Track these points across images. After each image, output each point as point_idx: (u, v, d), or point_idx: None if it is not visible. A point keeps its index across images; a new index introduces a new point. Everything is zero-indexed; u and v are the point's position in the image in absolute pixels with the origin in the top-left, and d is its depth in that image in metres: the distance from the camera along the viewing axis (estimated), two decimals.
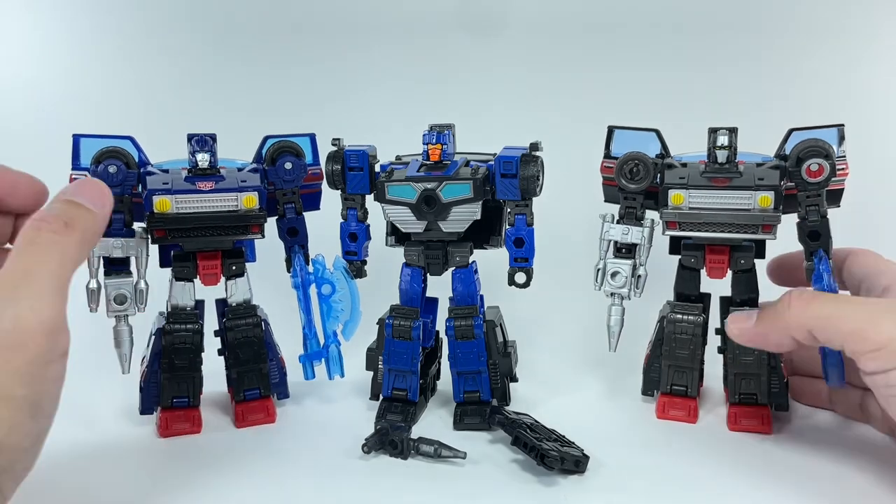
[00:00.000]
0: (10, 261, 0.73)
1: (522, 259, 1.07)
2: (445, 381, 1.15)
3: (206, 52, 1.55)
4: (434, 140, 1.04)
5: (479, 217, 1.05)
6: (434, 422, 1.11)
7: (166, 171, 1.05)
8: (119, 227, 1.03)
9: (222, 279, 1.08)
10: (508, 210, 1.07)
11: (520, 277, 1.07)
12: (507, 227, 1.07)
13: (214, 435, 1.06)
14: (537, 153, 1.05)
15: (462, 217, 1.05)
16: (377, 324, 1.10)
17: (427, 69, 1.51)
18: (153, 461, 1.01)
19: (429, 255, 1.08)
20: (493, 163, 1.06)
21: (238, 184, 1.03)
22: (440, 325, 1.12)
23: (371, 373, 1.13)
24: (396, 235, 1.11)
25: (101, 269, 1.03)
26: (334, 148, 1.08)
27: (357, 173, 1.08)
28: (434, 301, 1.13)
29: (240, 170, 1.06)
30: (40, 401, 0.70)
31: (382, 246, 1.13)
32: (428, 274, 1.10)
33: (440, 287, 1.11)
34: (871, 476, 0.93)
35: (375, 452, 0.99)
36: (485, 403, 1.09)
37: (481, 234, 1.08)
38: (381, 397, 1.11)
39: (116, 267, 1.03)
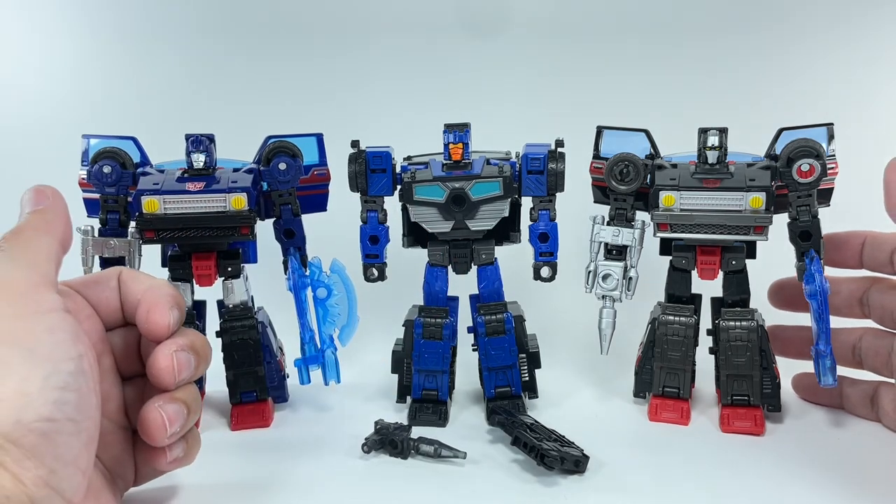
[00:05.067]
0: None
1: (547, 253, 1.09)
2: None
3: (217, 52, 1.55)
4: (455, 139, 1.05)
5: (506, 214, 1.07)
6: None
7: (162, 172, 1.04)
8: (114, 227, 1.03)
9: (219, 280, 1.07)
10: (531, 206, 1.08)
11: (545, 271, 1.10)
12: (531, 222, 1.09)
13: (211, 436, 1.05)
14: (562, 149, 1.07)
15: (490, 215, 1.06)
16: (403, 325, 1.10)
17: (427, 69, 1.52)
18: None
19: (455, 253, 1.09)
20: (513, 160, 1.08)
21: (228, 185, 1.02)
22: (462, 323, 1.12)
23: (388, 374, 1.13)
24: (413, 236, 1.11)
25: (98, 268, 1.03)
26: (354, 150, 1.08)
27: (380, 175, 1.08)
28: (455, 300, 1.13)
29: (236, 170, 1.05)
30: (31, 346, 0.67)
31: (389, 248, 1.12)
32: (453, 273, 1.10)
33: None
34: (864, 476, 0.93)
35: (375, 452, 0.99)
36: (516, 397, 1.09)
37: (497, 231, 1.09)
38: (408, 399, 1.12)
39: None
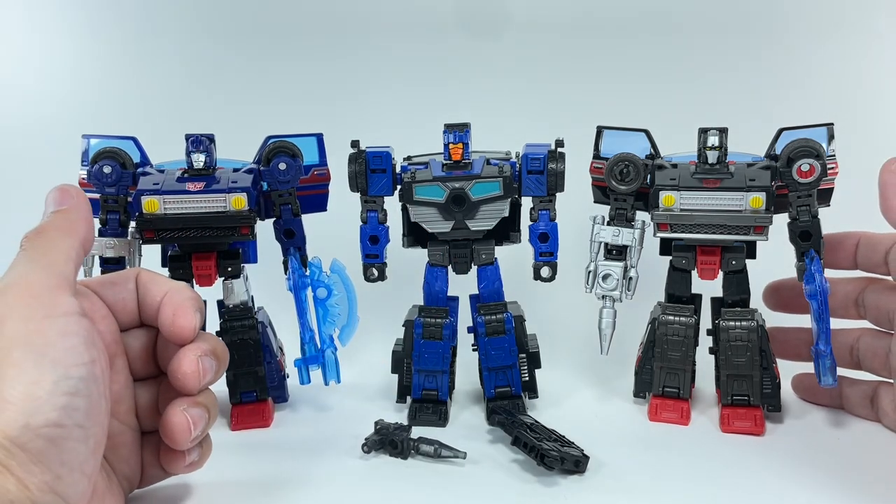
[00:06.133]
0: None
1: (547, 253, 1.09)
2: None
3: (217, 52, 1.56)
4: (455, 139, 1.05)
5: (506, 214, 1.07)
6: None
7: (162, 172, 1.05)
8: (114, 227, 1.03)
9: (219, 280, 1.07)
10: (531, 206, 1.09)
11: (545, 272, 1.10)
12: (531, 222, 1.09)
13: (210, 436, 1.05)
14: (562, 149, 1.07)
15: (490, 215, 1.06)
16: (403, 325, 1.10)
17: (427, 69, 1.52)
18: None
19: (456, 253, 1.09)
20: (513, 160, 1.08)
21: (228, 185, 1.02)
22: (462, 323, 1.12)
23: (389, 373, 1.13)
24: (413, 236, 1.11)
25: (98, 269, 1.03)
26: (354, 150, 1.08)
27: (380, 175, 1.08)
28: (455, 300, 1.13)
29: (236, 170, 1.05)
30: (43, 350, 0.67)
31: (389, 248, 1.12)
32: (453, 273, 1.10)
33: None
34: (864, 476, 0.93)
35: (375, 452, 0.99)
36: (516, 397, 1.09)
37: (497, 231, 1.09)
38: (408, 399, 1.12)
39: (112, 266, 1.03)
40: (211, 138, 1.05)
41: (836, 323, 1.04)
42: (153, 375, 0.84)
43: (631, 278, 1.07)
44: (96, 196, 1.04)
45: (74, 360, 0.68)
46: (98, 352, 0.71)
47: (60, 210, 0.77)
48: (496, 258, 1.09)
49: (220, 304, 1.09)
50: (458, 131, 1.05)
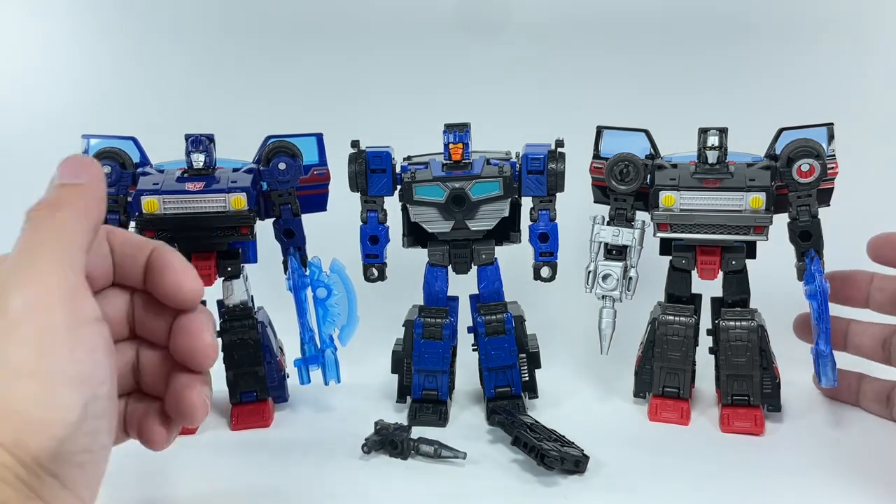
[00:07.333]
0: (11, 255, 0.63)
1: (547, 253, 1.09)
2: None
3: (217, 51, 1.56)
4: (455, 139, 1.05)
5: (507, 214, 1.07)
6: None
7: (162, 172, 1.05)
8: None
9: (219, 280, 1.07)
10: (531, 206, 1.09)
11: (545, 272, 1.10)
12: (531, 222, 1.09)
13: (211, 436, 1.05)
14: (562, 149, 1.07)
15: (490, 215, 1.06)
16: (403, 325, 1.10)
17: (427, 69, 1.52)
18: (144, 459, 0.98)
19: (456, 253, 1.09)
20: (513, 160, 1.08)
21: (228, 184, 1.02)
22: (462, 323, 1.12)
23: (389, 373, 1.13)
24: (413, 236, 1.11)
25: None
26: (354, 150, 1.08)
27: (380, 175, 1.08)
28: (455, 300, 1.13)
29: (235, 170, 1.06)
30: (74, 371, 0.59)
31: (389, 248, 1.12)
32: (453, 273, 1.10)
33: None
34: (863, 476, 0.93)
35: (375, 452, 0.99)
36: (516, 397, 1.09)
37: (497, 231, 1.09)
38: (408, 399, 1.12)
39: None
40: (210, 138, 1.05)
41: (869, 315, 1.05)
42: (125, 338, 0.74)
43: (631, 278, 1.07)
44: None
45: (101, 376, 0.61)
46: (114, 360, 0.64)
47: (77, 185, 0.66)
48: (496, 258, 1.09)
49: (220, 304, 1.09)
50: (458, 131, 1.05)
